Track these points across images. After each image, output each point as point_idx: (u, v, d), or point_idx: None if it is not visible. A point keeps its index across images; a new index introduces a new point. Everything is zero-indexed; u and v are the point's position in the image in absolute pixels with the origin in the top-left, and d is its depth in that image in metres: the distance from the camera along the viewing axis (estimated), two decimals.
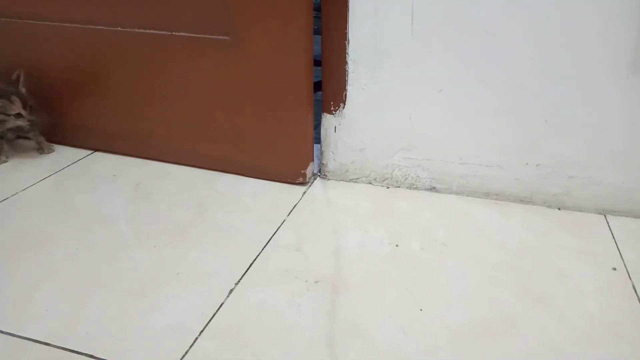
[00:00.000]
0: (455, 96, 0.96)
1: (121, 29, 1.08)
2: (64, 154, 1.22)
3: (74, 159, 1.19)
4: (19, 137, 1.17)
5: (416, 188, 1.06)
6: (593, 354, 0.67)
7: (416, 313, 0.74)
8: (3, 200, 1.02)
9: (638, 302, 0.76)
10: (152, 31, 1.06)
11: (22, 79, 1.09)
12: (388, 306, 0.76)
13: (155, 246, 0.89)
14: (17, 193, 1.05)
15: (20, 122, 1.08)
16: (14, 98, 1.05)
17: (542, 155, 0.96)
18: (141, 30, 1.07)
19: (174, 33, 1.04)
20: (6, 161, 1.15)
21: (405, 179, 1.06)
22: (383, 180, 1.08)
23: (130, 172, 1.14)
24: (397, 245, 0.89)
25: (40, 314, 0.74)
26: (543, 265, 0.84)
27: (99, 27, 1.10)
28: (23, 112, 1.07)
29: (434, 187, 1.05)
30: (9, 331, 0.71)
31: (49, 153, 1.20)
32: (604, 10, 0.83)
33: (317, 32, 0.99)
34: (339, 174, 1.10)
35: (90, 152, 1.23)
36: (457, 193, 1.04)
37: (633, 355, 0.67)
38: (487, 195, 1.03)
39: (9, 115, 1.06)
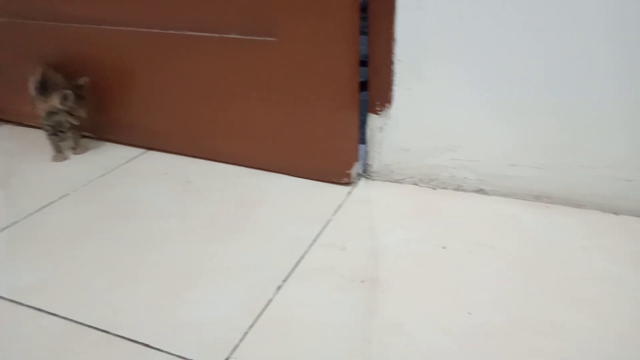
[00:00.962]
0: (503, 95, 0.94)
1: (173, 32, 1.12)
2: (117, 152, 1.27)
3: (128, 157, 1.25)
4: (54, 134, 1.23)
5: (463, 190, 1.04)
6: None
7: (460, 315, 0.73)
8: (62, 197, 1.08)
9: None
10: (200, 33, 1.09)
11: (83, 83, 1.16)
12: (431, 307, 0.75)
13: (204, 241, 0.91)
14: (77, 189, 1.11)
15: (73, 121, 1.16)
16: (82, 101, 1.14)
17: (595, 157, 0.92)
18: (190, 33, 1.10)
19: (222, 35, 1.07)
20: (67, 158, 1.22)
21: (452, 180, 1.04)
22: (429, 181, 1.06)
23: (180, 170, 1.17)
24: (443, 247, 0.88)
25: (94, 302, 0.78)
26: (594, 271, 0.81)
27: (152, 30, 1.14)
28: (82, 111, 1.14)
29: (481, 189, 1.03)
30: (66, 316, 0.75)
31: (82, 153, 1.26)
32: None
33: (363, 32, 0.99)
34: (384, 174, 1.10)
35: (143, 150, 1.28)
36: (505, 195, 1.02)
37: None
38: (537, 198, 1.00)
39: (73, 116, 1.14)
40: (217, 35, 1.08)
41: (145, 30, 1.15)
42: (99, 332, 0.72)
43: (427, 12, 0.92)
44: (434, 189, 1.06)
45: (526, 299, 0.76)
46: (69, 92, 1.11)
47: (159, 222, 0.98)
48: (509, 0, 0.87)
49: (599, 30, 0.84)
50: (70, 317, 0.75)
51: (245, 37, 1.05)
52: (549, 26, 0.86)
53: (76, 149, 1.26)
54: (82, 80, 1.16)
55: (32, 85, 1.17)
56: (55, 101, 1.13)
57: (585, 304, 0.74)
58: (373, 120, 1.05)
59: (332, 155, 1.07)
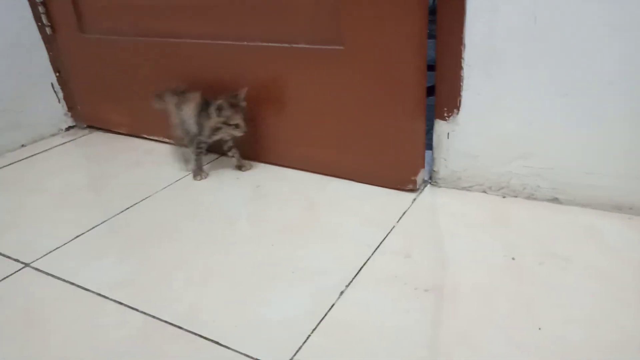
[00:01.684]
0: (580, 99, 0.89)
1: (246, 44, 1.17)
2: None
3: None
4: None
5: (535, 198, 1.00)
6: None
7: (531, 329, 0.70)
8: (144, 199, 1.16)
9: None
10: (271, 44, 1.13)
11: (243, 95, 1.15)
12: (500, 319, 0.73)
13: (272, 244, 0.95)
14: (157, 192, 1.19)
15: (237, 133, 1.15)
16: (238, 109, 1.13)
17: None
18: (262, 44, 1.14)
19: (292, 45, 1.10)
20: (207, 176, 1.23)
21: (524, 188, 1.00)
22: (499, 189, 1.03)
23: (251, 175, 1.22)
24: (513, 258, 0.85)
25: (172, 299, 0.83)
26: None
27: (226, 42, 1.20)
28: (242, 123, 1.13)
29: (555, 198, 0.98)
30: (146, 311, 0.80)
31: (248, 170, 1.25)
32: None
33: (431, 36, 0.98)
34: (451, 181, 1.08)
35: (216, 156, 1.34)
36: (582, 205, 0.96)
37: None
38: (618, 209, 0.93)
39: (230, 125, 1.14)
40: (287, 45, 1.11)
41: (221, 42, 1.21)
42: (175, 328, 0.77)
43: (498, 15, 0.90)
44: (503, 197, 1.03)
45: (604, 316, 0.72)
46: (220, 102, 1.12)
47: (233, 225, 1.02)
48: (583, 1, 0.82)
49: None
50: (150, 313, 0.80)
51: (312, 47, 1.07)
52: (632, 25, 0.81)
53: (243, 166, 1.25)
54: (241, 92, 1.15)
55: (191, 109, 1.18)
56: (213, 114, 1.12)
57: None
58: (440, 126, 1.04)
59: (398, 162, 1.07)
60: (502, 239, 0.90)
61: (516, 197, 1.02)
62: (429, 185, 1.10)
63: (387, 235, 0.94)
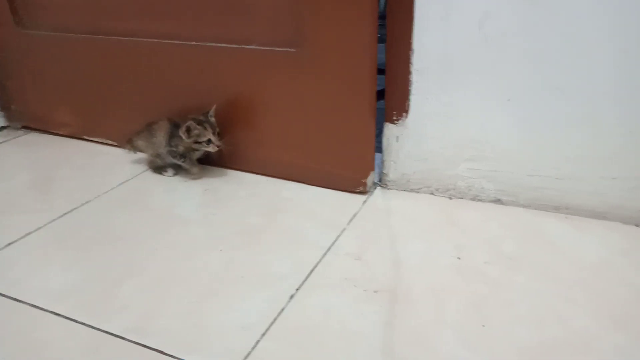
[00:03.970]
0: (526, 105, 0.93)
1: (201, 44, 1.14)
2: (141, 158, 1.30)
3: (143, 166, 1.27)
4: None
5: (481, 200, 1.04)
6: None
7: (480, 328, 0.72)
8: (89, 202, 1.11)
9: None
10: (227, 45, 1.11)
11: (212, 111, 1.13)
12: (450, 319, 0.74)
13: (222, 249, 0.93)
14: (108, 191, 1.13)
15: (210, 149, 1.13)
16: (207, 125, 1.11)
17: (625, 169, 0.91)
18: (217, 44, 1.12)
19: (247, 46, 1.08)
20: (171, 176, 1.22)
21: (470, 190, 1.04)
22: (446, 191, 1.06)
23: (205, 179, 1.19)
24: (459, 258, 0.87)
25: (120, 308, 0.79)
26: (623, 286, 0.79)
27: (174, 41, 1.17)
28: (214, 138, 1.12)
29: (499, 199, 1.02)
30: (92, 324, 0.76)
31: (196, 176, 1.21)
32: None
33: (381, 40, 0.99)
34: (400, 183, 1.09)
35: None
36: (524, 206, 1.00)
37: None
38: (557, 209, 0.98)
39: (201, 142, 1.12)
40: (242, 46, 1.09)
41: (168, 41, 1.18)
42: (124, 341, 0.73)
43: (447, 22, 0.92)
44: (450, 198, 1.06)
45: (551, 314, 0.75)
46: (188, 123, 1.10)
47: (185, 230, 1.00)
48: (530, 11, 0.86)
49: (615, 43, 0.83)
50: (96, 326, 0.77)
51: (267, 48, 1.06)
52: (580, 33, 0.85)
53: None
54: (210, 109, 1.13)
55: (163, 137, 1.17)
56: (184, 137, 1.12)
57: (616, 320, 0.73)
58: (390, 130, 1.06)
59: (349, 164, 1.08)
60: (449, 239, 0.92)
61: (462, 198, 1.05)
62: (379, 187, 1.12)
63: (337, 238, 0.94)
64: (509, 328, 0.72)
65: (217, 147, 1.13)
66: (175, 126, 1.16)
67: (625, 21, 0.82)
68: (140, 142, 1.22)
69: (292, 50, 1.03)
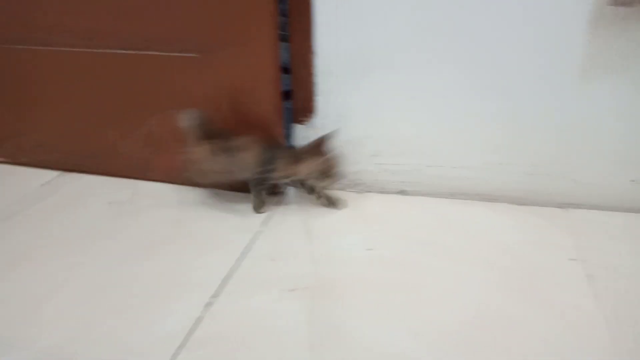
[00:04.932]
0: (426, 101, 1.00)
1: (97, 51, 1.08)
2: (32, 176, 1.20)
3: (42, 180, 1.18)
4: None
5: (386, 192, 1.10)
6: (585, 349, 0.71)
7: (399, 315, 0.77)
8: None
9: (593, 291, 0.81)
10: (123, 51, 1.06)
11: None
12: (369, 309, 0.78)
13: (133, 262, 0.89)
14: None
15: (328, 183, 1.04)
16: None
17: (509, 156, 1.01)
18: (113, 51, 1.07)
19: (144, 52, 1.05)
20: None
21: (376, 183, 1.09)
22: (354, 186, 1.11)
23: (102, 191, 1.13)
24: (373, 249, 0.92)
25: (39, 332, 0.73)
26: (509, 258, 0.88)
27: (73, 49, 1.10)
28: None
29: (403, 190, 1.09)
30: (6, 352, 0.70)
31: None
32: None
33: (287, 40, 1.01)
34: None
35: (58, 172, 1.21)
36: (427, 195, 1.08)
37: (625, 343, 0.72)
38: (453, 195, 1.07)
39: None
40: (139, 52, 1.05)
41: (64, 49, 1.10)
42: None
43: (347, 25, 0.96)
44: (359, 193, 1.10)
45: (466, 295, 0.80)
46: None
47: (87, 245, 0.94)
48: (444, 8, 0.93)
49: (523, 36, 0.93)
50: None
51: (167, 54, 1.04)
52: (469, 33, 0.94)
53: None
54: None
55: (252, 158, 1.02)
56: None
57: (532, 295, 0.81)
58: (298, 130, 1.08)
59: None
60: (362, 231, 0.97)
61: (370, 192, 1.10)
62: (290, 187, 1.13)
63: (252, 240, 0.95)
64: (428, 312, 0.77)
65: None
66: (268, 150, 1.01)
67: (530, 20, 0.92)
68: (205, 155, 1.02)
69: (193, 56, 1.02)
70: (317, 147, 1.00)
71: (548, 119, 0.96)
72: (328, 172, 1.01)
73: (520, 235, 0.95)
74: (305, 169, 1.00)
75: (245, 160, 1.01)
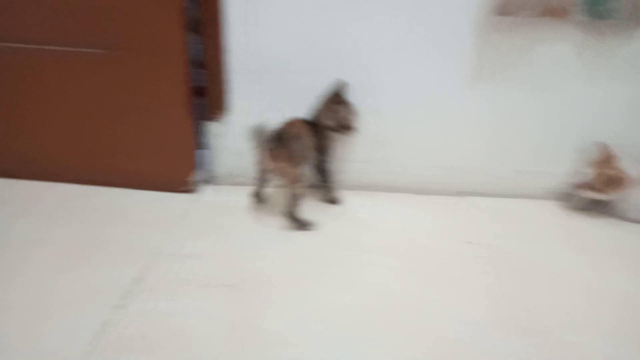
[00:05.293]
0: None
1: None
2: None
3: None
4: None
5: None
6: (477, 321, 0.79)
7: (310, 304, 0.81)
8: None
9: (487, 269, 0.90)
10: (27, 45, 1.00)
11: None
12: (279, 300, 0.81)
13: (47, 270, 0.85)
14: None
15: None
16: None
17: (408, 148, 1.09)
18: (19, 45, 1.01)
19: (47, 47, 1.00)
20: None
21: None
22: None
23: (2, 193, 1.06)
24: (287, 242, 0.95)
25: None
26: (414, 245, 0.96)
27: None
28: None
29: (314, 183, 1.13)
30: None
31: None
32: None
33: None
34: (226, 178, 1.13)
35: None
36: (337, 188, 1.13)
37: (484, 311, 0.81)
38: (365, 187, 1.13)
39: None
40: (42, 47, 1.00)
41: None
42: None
43: (258, 25, 0.99)
44: (272, 188, 1.13)
45: (356, 278, 0.86)
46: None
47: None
48: (327, 16, 0.98)
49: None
50: None
51: (71, 49, 0.99)
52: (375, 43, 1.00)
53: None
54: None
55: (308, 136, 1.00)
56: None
57: (430, 276, 0.88)
58: (212, 127, 1.09)
59: (171, 164, 1.08)
60: (275, 226, 0.99)
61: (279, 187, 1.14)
62: (206, 184, 1.14)
63: (168, 239, 0.94)
64: (325, 297, 0.82)
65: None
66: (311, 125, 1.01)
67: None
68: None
69: (98, 51, 0.99)
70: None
71: (443, 116, 1.06)
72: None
73: (420, 222, 1.03)
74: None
75: (307, 144, 1.00)
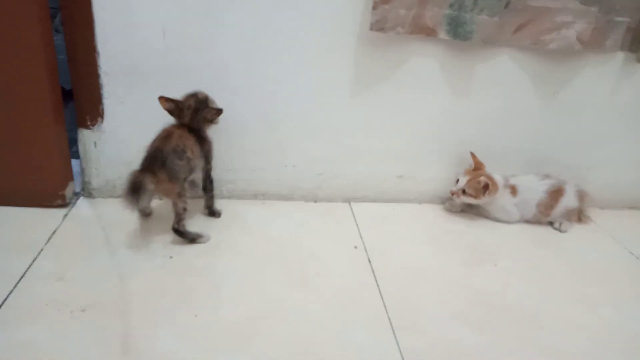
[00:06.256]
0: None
1: None
2: None
3: None
4: None
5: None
6: (340, 318, 0.82)
7: (192, 318, 0.78)
8: None
9: (372, 272, 0.94)
10: None
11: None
12: (163, 317, 0.77)
13: None
14: None
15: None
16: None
17: (296, 156, 1.09)
18: None
19: None
20: None
21: None
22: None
23: None
24: (171, 257, 0.91)
25: None
26: (302, 252, 0.97)
27: None
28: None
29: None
30: None
31: None
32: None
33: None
34: (106, 190, 1.06)
35: None
36: (227, 197, 1.10)
37: (368, 312, 0.83)
38: (255, 196, 1.12)
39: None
40: None
41: None
42: None
43: (132, 27, 0.93)
44: (160, 199, 1.08)
45: (251, 288, 0.85)
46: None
47: None
48: (208, 23, 0.94)
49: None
50: None
51: None
52: (250, 46, 0.98)
53: None
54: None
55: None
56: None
57: (300, 281, 0.88)
58: (85, 135, 1.00)
59: (40, 177, 0.97)
60: (160, 238, 0.95)
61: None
62: (82, 197, 1.05)
63: (34, 260, 0.86)
64: (216, 311, 0.80)
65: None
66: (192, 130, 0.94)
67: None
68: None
69: None
70: None
71: (327, 125, 1.07)
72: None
73: (309, 229, 1.04)
74: None
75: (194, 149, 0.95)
